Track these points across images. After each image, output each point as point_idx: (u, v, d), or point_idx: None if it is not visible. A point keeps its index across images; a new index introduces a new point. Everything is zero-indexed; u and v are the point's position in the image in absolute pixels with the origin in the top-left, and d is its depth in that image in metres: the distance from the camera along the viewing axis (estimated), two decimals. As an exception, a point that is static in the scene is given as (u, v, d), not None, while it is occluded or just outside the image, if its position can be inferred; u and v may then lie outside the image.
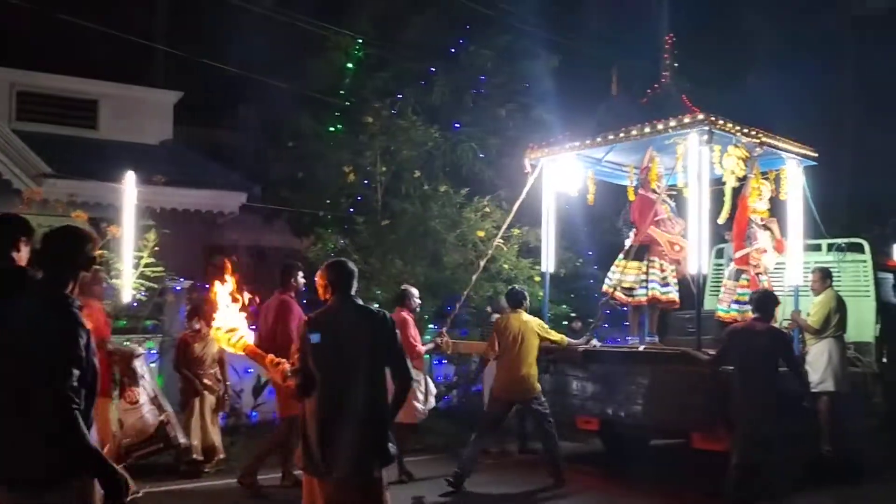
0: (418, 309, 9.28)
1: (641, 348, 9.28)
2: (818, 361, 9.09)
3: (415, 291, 8.98)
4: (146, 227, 10.50)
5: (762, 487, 7.45)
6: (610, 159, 10.60)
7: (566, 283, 13.74)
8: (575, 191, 10.32)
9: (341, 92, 14.14)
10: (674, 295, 9.68)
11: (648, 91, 9.96)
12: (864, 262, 10.19)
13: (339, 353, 4.58)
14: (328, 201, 13.96)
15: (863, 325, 9.89)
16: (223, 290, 4.86)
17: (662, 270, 9.63)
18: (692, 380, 8.21)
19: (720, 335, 8.78)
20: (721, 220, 9.31)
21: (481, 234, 12.86)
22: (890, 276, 10.70)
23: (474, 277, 10.92)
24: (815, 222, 9.80)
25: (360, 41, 14.11)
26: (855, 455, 9.04)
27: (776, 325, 8.27)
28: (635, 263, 9.65)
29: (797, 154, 9.52)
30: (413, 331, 8.70)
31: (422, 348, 8.78)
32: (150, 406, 8.33)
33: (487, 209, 13.03)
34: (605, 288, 9.91)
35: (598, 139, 9.59)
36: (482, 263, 11.06)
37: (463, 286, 12.46)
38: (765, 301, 7.77)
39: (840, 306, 9.23)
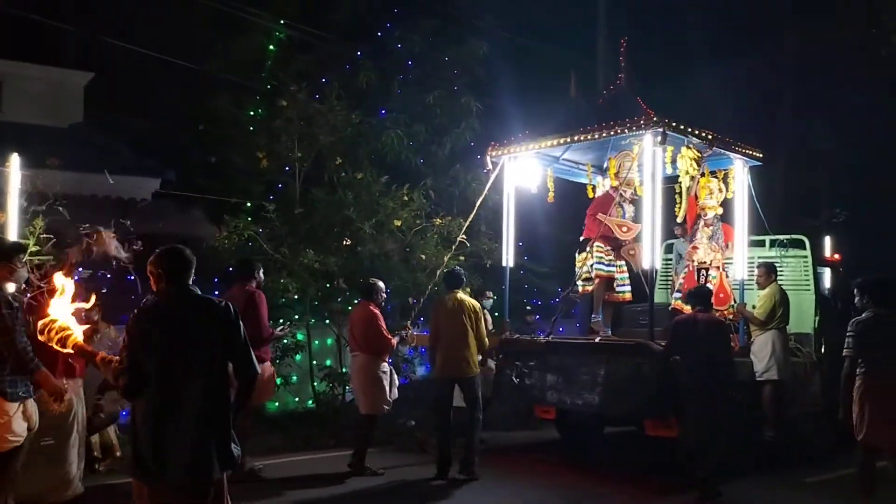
0: (384, 303, 9.22)
1: (597, 340, 9.50)
2: (763, 351, 9.51)
3: (382, 285, 8.95)
4: (35, 212, 9.91)
5: (707, 470, 7.81)
6: (567, 157, 10.84)
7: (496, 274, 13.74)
8: (534, 188, 10.47)
9: (263, 75, 13.66)
10: (620, 284, 9.96)
11: (605, 92, 10.18)
12: (805, 257, 10.68)
13: (170, 349, 4.24)
14: (247, 189, 13.48)
15: (803, 317, 10.39)
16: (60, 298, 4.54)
17: (602, 253, 9.92)
18: (645, 369, 8.50)
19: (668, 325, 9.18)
20: (679, 219, 9.67)
21: (398, 222, 12.69)
22: (828, 270, 11.24)
23: (438, 273, 10.83)
24: (760, 218, 10.18)
25: (283, 23, 13.65)
26: (796, 439, 9.54)
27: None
28: (583, 255, 10.03)
29: (743, 155, 9.89)
30: (383, 324, 8.75)
31: (394, 342, 8.83)
32: None
33: (406, 197, 12.83)
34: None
35: (559, 139, 9.74)
36: (445, 259, 10.98)
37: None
38: (701, 295, 8.39)
39: (784, 299, 9.68)
